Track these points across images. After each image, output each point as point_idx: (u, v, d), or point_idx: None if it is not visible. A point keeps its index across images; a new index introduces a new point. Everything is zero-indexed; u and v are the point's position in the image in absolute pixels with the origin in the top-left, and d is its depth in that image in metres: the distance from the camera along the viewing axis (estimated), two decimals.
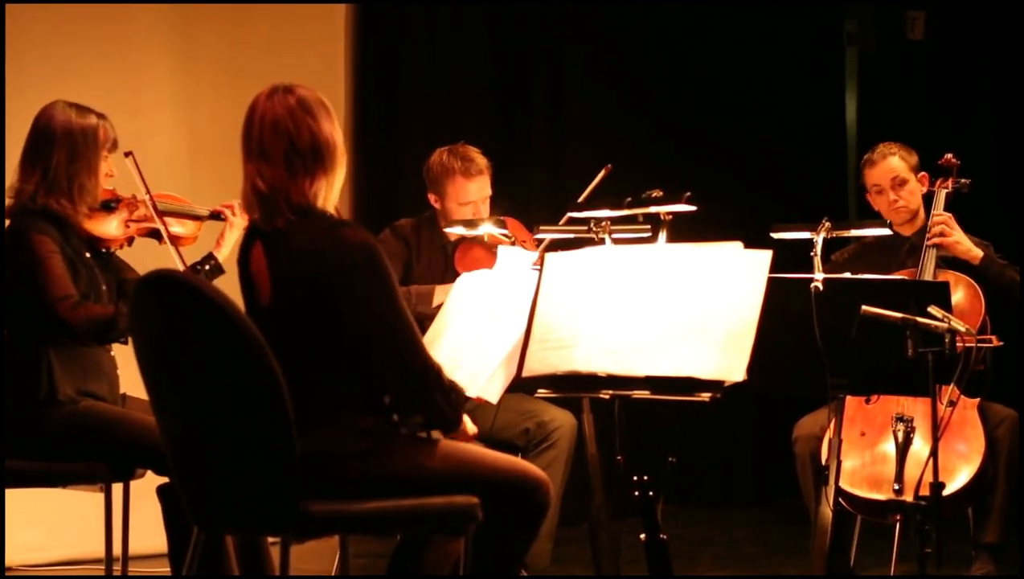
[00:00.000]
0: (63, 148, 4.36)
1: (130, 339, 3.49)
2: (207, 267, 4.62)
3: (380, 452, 3.46)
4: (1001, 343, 4.78)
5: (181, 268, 4.50)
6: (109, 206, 4.54)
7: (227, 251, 4.66)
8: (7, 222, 4.40)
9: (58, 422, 4.24)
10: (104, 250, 4.52)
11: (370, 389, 3.48)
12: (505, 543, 3.60)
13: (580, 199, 5.05)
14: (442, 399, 3.49)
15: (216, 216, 4.74)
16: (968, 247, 5.06)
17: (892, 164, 5.23)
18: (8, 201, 4.40)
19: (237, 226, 4.68)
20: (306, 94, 3.53)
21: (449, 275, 5.20)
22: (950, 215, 5.10)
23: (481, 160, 5.27)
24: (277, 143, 3.47)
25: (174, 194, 4.78)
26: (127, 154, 4.54)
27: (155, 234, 4.63)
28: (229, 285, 4.52)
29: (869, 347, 4.17)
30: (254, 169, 3.50)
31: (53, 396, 4.26)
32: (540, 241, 4.94)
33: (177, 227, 4.69)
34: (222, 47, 6.27)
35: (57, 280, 4.27)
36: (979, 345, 4.65)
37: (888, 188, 5.23)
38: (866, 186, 5.31)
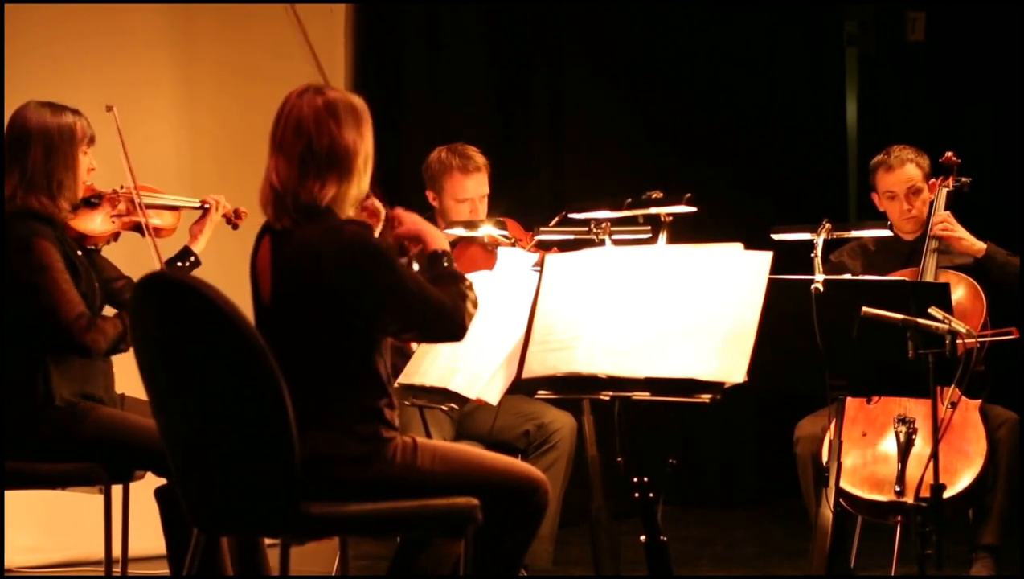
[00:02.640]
0: (39, 147, 4.31)
1: (130, 340, 3.49)
2: (187, 263, 4.62)
3: (379, 456, 3.46)
4: (1018, 335, 4.78)
5: (159, 262, 4.51)
6: (91, 203, 4.52)
7: (203, 244, 4.67)
8: None
9: (56, 426, 4.23)
10: (92, 248, 4.51)
11: (368, 393, 3.48)
12: (504, 544, 3.61)
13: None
14: (471, 318, 3.56)
15: (204, 207, 4.74)
16: (971, 242, 5.06)
17: (909, 172, 5.21)
18: None
19: (215, 222, 4.71)
20: (337, 98, 3.53)
21: None
22: (949, 213, 5.10)
23: (479, 158, 5.30)
24: (296, 142, 3.49)
25: (151, 185, 4.77)
26: (108, 109, 4.52)
27: (139, 228, 4.63)
28: (231, 284, 4.53)
29: (869, 348, 4.17)
30: (273, 164, 3.51)
31: (50, 401, 4.24)
32: (539, 242, 4.93)
33: (157, 219, 4.68)
34: (222, 47, 6.27)
35: (66, 298, 4.22)
36: (996, 339, 4.67)
37: (902, 196, 5.21)
38: (876, 188, 5.30)
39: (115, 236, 4.60)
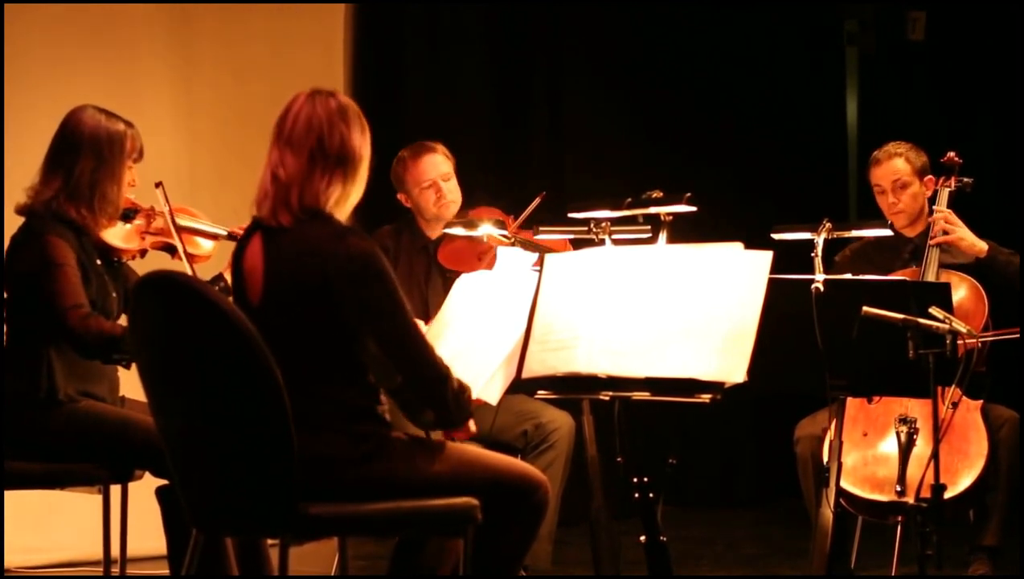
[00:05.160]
0: (88, 155, 4.31)
1: (130, 339, 3.48)
2: (217, 287, 4.57)
3: (379, 456, 3.46)
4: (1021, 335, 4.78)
5: None
6: (127, 215, 4.50)
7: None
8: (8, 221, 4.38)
9: (58, 422, 4.23)
10: (116, 260, 4.49)
11: (363, 393, 3.48)
12: (504, 543, 3.61)
13: (517, 221, 5.07)
14: (452, 401, 3.53)
15: (233, 237, 4.68)
16: (972, 241, 5.06)
17: (896, 166, 5.21)
18: (26, 200, 4.37)
19: None
20: (347, 103, 3.57)
21: (433, 273, 5.22)
22: (950, 211, 5.10)
23: (431, 143, 5.33)
24: (307, 139, 3.50)
25: (192, 209, 4.75)
26: (157, 185, 4.50)
27: (169, 248, 4.59)
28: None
29: (870, 348, 4.16)
30: (278, 157, 3.51)
31: (53, 396, 4.24)
32: (522, 227, 4.94)
33: (192, 244, 4.64)
34: (222, 47, 6.27)
35: (70, 287, 4.22)
36: (999, 338, 4.67)
37: (889, 190, 5.22)
38: (870, 181, 5.30)
39: (142, 253, 4.57)
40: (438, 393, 3.52)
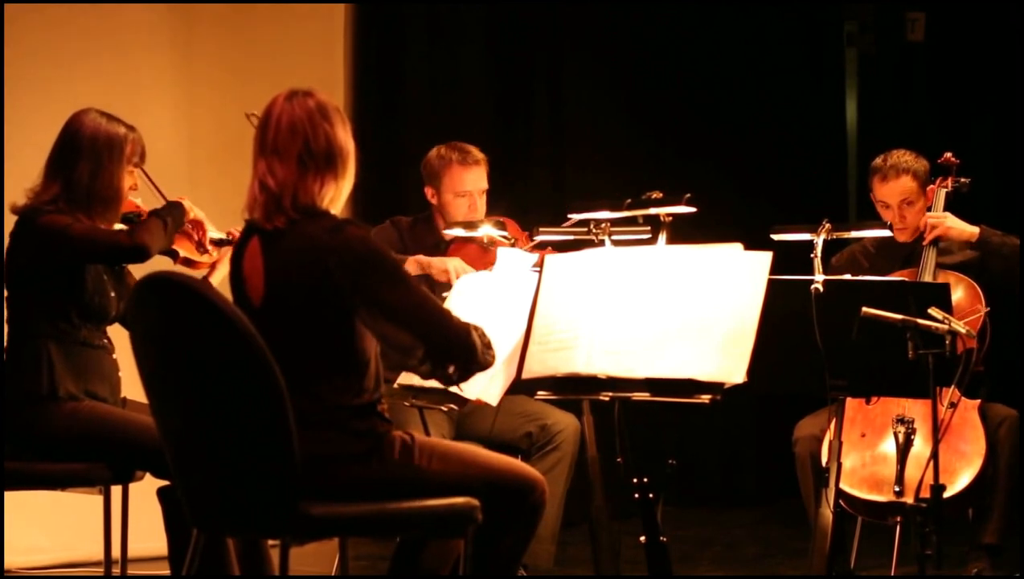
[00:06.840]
0: (88, 159, 4.31)
1: (130, 340, 3.49)
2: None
3: (378, 454, 3.47)
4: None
5: None
6: (131, 219, 4.50)
7: (220, 276, 4.57)
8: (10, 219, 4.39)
9: (59, 420, 4.23)
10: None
11: (363, 392, 3.49)
12: (501, 543, 3.61)
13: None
14: (480, 349, 3.54)
15: (226, 242, 4.67)
16: (961, 228, 5.06)
17: (904, 185, 5.15)
18: (25, 201, 4.37)
19: None
20: (325, 100, 3.56)
21: None
22: (931, 213, 5.10)
23: (478, 153, 5.33)
24: (293, 143, 3.50)
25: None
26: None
27: (171, 253, 4.59)
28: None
29: (869, 349, 4.17)
30: (265, 166, 3.51)
31: (54, 392, 4.24)
32: (536, 241, 4.94)
33: (191, 251, 4.64)
34: (222, 47, 6.28)
35: (93, 231, 4.26)
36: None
37: (895, 207, 5.18)
38: (872, 192, 5.29)
39: None
40: (467, 346, 3.52)
